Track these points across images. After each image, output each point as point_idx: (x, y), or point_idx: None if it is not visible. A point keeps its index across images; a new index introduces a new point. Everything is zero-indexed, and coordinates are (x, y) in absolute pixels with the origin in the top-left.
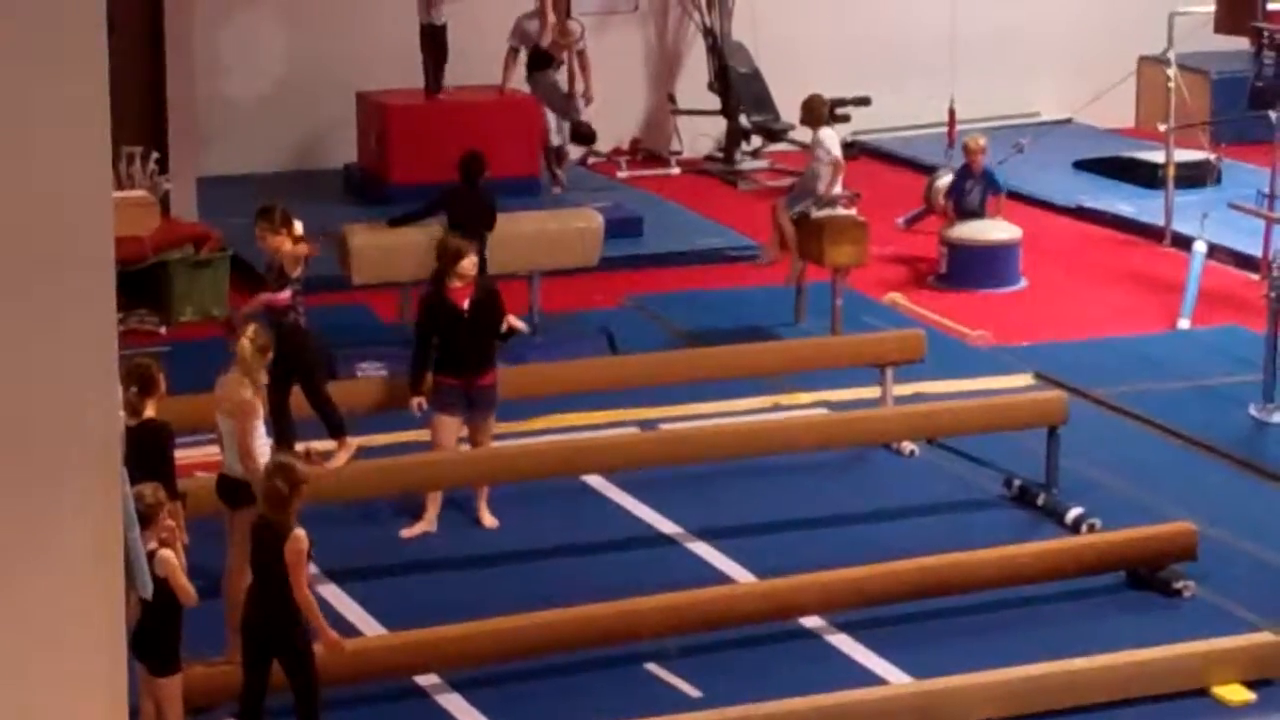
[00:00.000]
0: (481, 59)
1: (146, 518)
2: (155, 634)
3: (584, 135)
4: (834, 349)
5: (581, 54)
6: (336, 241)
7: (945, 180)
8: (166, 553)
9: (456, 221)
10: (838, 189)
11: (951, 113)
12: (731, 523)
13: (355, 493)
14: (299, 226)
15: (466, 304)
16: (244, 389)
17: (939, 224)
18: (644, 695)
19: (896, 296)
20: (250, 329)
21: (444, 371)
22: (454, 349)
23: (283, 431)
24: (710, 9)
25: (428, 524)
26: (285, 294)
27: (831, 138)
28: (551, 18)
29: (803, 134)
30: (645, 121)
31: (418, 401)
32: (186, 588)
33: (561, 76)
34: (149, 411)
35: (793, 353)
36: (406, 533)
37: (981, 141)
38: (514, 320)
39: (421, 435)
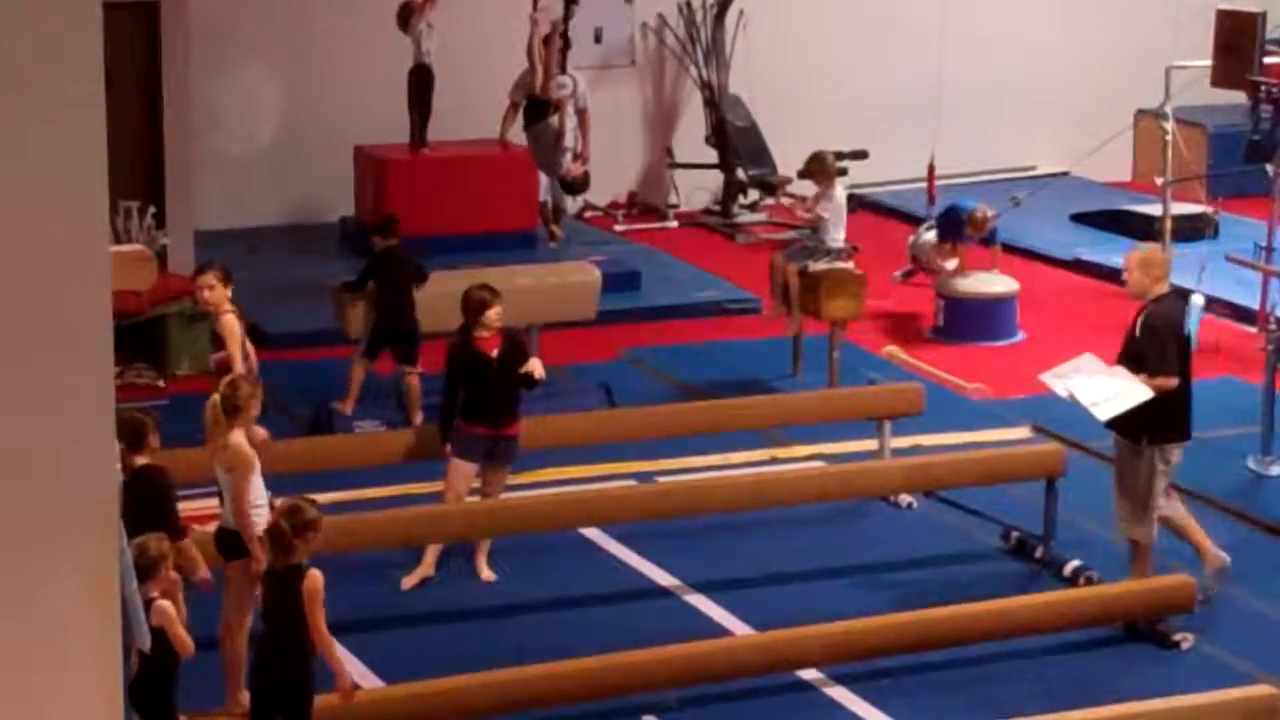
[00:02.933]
0: (481, 113)
1: (149, 569)
2: (151, 685)
3: (572, 186)
4: (832, 402)
5: (582, 113)
6: (332, 296)
7: (929, 237)
8: (164, 603)
9: (381, 282)
10: (840, 238)
11: (931, 168)
12: (729, 575)
13: (353, 545)
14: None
15: (495, 354)
16: (242, 441)
17: (935, 277)
18: None
19: (894, 350)
20: (222, 386)
21: (471, 420)
22: (483, 398)
23: None
24: (707, 63)
25: (426, 569)
26: (224, 353)
27: (842, 194)
28: (541, 71)
29: (800, 187)
30: (642, 175)
31: (448, 450)
32: (184, 639)
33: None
34: (140, 463)
35: (790, 406)
36: (407, 582)
37: (990, 222)
38: (535, 364)
39: (417, 488)
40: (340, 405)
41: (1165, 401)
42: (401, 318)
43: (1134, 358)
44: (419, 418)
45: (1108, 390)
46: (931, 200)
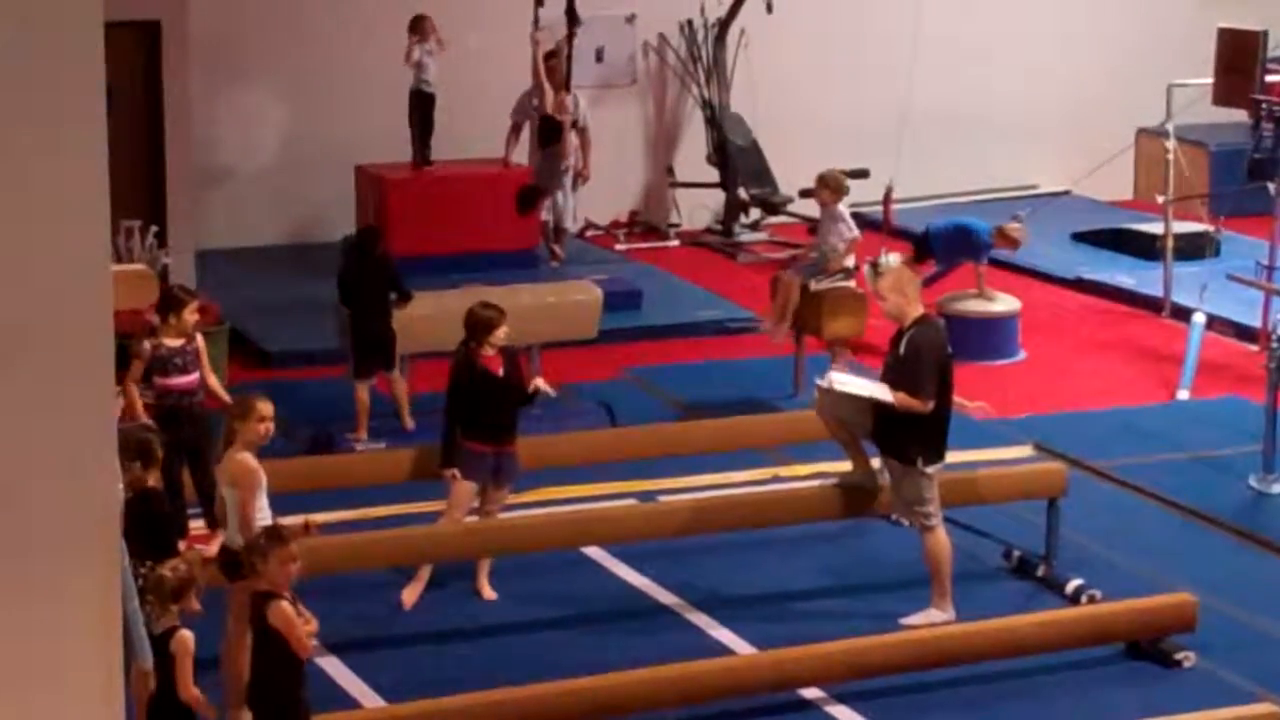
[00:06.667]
0: (482, 133)
1: (176, 592)
2: (169, 710)
3: (524, 198)
4: None
5: (583, 131)
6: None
7: (893, 258)
8: (185, 634)
9: (355, 294)
10: (849, 261)
11: (888, 194)
12: (731, 594)
13: (355, 564)
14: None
15: (501, 372)
16: (247, 457)
17: (936, 295)
18: None
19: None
20: (232, 405)
21: (475, 438)
22: (489, 416)
23: (180, 509)
24: (708, 82)
25: (422, 581)
26: (193, 376)
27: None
28: (550, 91)
29: (802, 207)
30: (644, 194)
31: (452, 474)
32: (188, 682)
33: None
34: (150, 483)
35: (791, 424)
36: (408, 597)
37: (1024, 236)
38: (540, 382)
39: (417, 508)
40: (354, 436)
41: (928, 427)
42: (377, 325)
43: (894, 378)
44: (410, 422)
45: (870, 387)
46: (887, 223)
